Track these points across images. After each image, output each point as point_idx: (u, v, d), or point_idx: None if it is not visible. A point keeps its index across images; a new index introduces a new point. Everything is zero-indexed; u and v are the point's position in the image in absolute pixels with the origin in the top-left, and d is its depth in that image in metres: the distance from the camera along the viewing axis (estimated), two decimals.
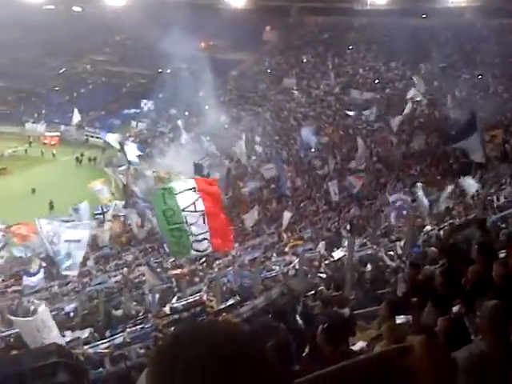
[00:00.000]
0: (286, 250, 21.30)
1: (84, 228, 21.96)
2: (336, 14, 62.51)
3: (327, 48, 59.00)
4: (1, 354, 11.93)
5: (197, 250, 11.08)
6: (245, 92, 57.68)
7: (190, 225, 10.72)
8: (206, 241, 10.72)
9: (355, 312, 8.56)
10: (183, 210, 10.72)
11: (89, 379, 4.48)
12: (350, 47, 56.79)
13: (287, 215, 26.51)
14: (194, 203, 10.78)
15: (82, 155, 53.00)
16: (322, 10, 63.67)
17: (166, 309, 12.90)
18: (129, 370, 6.62)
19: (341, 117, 42.47)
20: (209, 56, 60.31)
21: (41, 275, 22.92)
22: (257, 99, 54.70)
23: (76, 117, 59.33)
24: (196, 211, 10.78)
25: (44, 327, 9.72)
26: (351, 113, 39.19)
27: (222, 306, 11.32)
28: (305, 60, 58.69)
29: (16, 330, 15.94)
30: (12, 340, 14.40)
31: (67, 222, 23.12)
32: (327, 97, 48.59)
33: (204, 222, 10.76)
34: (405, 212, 20.63)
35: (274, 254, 21.07)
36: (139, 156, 46.49)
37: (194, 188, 10.90)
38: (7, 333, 15.96)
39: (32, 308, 18.75)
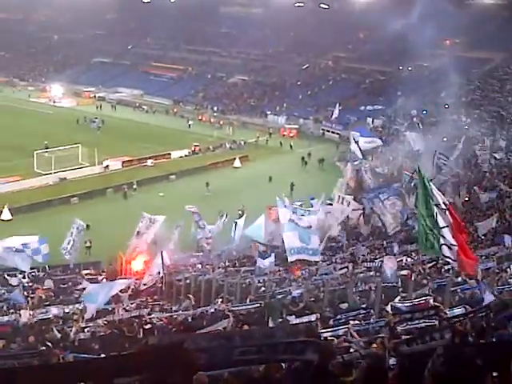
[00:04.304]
0: None
1: (310, 215, 22.82)
2: None
3: None
4: (233, 327, 12.93)
5: (447, 256, 10.84)
6: (489, 92, 54.40)
7: (442, 227, 10.52)
8: (455, 252, 10.43)
9: None
10: (436, 205, 10.62)
11: (335, 361, 4.70)
12: None
13: None
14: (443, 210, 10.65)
15: (309, 155, 52.64)
16: None
17: (388, 307, 12.79)
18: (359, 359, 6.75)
19: None
20: (452, 54, 58.01)
21: (272, 259, 24.05)
22: (502, 101, 51.18)
23: (336, 112, 61.06)
24: (444, 217, 10.60)
25: None
26: None
27: (451, 315, 10.87)
28: None
29: (247, 307, 17.15)
30: (242, 316, 15.33)
31: (299, 209, 24.21)
32: None
33: (451, 235, 10.52)
34: None
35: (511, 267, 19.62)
36: (372, 153, 46.44)
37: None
38: (239, 308, 17.11)
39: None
